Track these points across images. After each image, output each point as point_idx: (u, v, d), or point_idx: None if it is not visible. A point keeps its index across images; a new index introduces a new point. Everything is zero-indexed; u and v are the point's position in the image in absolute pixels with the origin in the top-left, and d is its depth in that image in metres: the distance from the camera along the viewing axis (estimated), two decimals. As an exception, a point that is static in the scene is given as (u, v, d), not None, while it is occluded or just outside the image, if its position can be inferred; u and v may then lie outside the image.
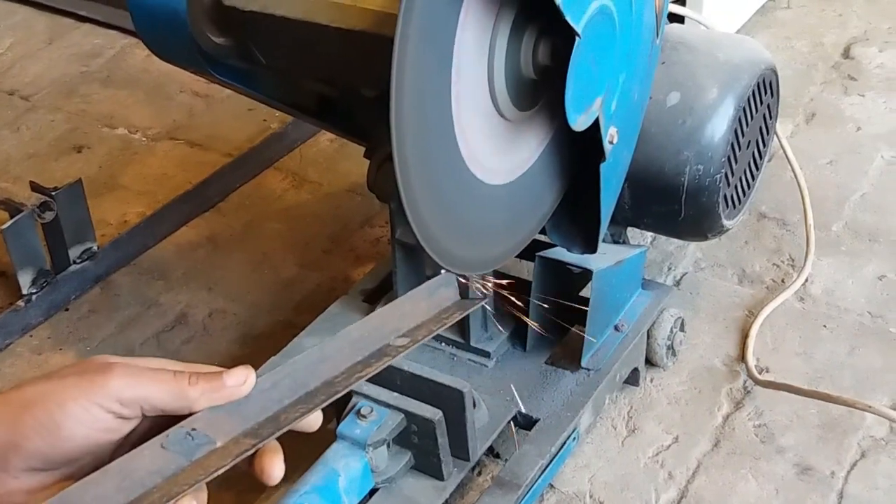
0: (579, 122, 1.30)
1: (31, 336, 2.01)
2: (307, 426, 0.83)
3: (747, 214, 2.10)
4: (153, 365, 0.80)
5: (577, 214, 1.56)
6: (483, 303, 1.02)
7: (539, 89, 1.35)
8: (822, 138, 2.40)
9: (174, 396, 0.77)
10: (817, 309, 1.96)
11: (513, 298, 1.49)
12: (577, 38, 1.21)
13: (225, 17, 1.41)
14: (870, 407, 1.64)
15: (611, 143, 1.41)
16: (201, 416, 0.78)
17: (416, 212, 1.17)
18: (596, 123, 1.35)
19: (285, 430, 0.80)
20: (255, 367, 1.63)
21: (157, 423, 0.79)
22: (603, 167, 1.44)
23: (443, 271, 1.01)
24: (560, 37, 1.25)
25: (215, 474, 0.74)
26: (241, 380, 0.79)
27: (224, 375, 0.79)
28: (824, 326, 1.92)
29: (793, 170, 2.06)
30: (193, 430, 0.77)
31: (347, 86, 1.48)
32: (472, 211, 1.32)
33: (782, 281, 2.02)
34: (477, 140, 1.28)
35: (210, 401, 0.78)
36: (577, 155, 1.48)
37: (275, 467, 0.79)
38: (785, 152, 2.05)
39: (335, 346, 0.89)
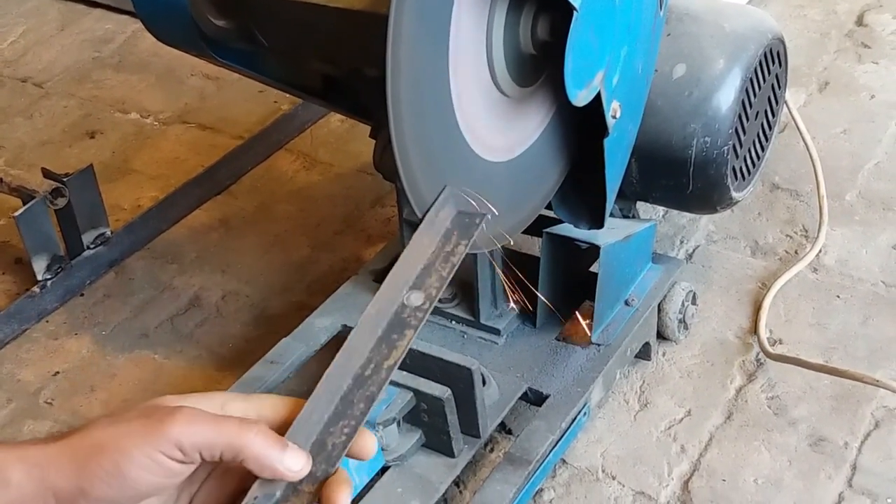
0: (580, 98, 1.30)
1: (47, 322, 2.03)
2: (361, 452, 0.82)
3: (760, 186, 2.09)
4: (217, 402, 0.80)
5: (583, 190, 1.55)
6: (486, 216, 0.98)
7: (539, 65, 1.34)
8: (836, 107, 2.38)
9: (232, 451, 0.76)
10: (831, 279, 1.94)
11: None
12: (574, 12, 1.20)
13: (225, 0, 1.41)
14: (878, 381, 1.64)
15: (614, 117, 1.40)
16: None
17: (417, 191, 1.17)
18: (598, 98, 1.34)
19: (338, 464, 0.79)
20: (267, 349, 1.66)
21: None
22: (607, 142, 1.43)
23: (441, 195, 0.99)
24: (558, 11, 1.24)
25: None
26: (298, 467, 0.78)
27: (287, 451, 0.77)
28: (838, 297, 1.91)
29: (804, 140, 2.04)
30: (256, 498, 0.77)
31: (349, 66, 1.47)
32: (474, 188, 1.31)
33: (795, 252, 2.01)
34: (477, 117, 1.27)
35: (263, 466, 0.77)
36: (581, 130, 1.47)
37: (340, 498, 0.78)
38: (795, 122, 2.03)
39: (357, 334, 0.86)
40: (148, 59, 2.83)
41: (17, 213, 1.98)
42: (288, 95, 2.40)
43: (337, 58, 1.45)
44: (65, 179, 2.03)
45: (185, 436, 0.75)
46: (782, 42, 1.74)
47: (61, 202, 2.03)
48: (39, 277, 2.04)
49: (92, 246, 2.12)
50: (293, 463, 0.77)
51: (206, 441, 0.76)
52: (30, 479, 0.75)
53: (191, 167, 2.40)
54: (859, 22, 2.68)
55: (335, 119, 2.50)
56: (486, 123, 1.30)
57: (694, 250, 2.04)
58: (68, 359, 1.95)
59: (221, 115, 2.59)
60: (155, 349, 1.95)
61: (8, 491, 0.74)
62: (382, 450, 1.47)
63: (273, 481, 0.78)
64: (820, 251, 1.98)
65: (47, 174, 2.05)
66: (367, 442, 0.82)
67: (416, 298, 0.89)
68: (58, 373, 1.92)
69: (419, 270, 0.91)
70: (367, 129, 1.67)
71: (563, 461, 1.64)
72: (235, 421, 0.77)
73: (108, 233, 2.15)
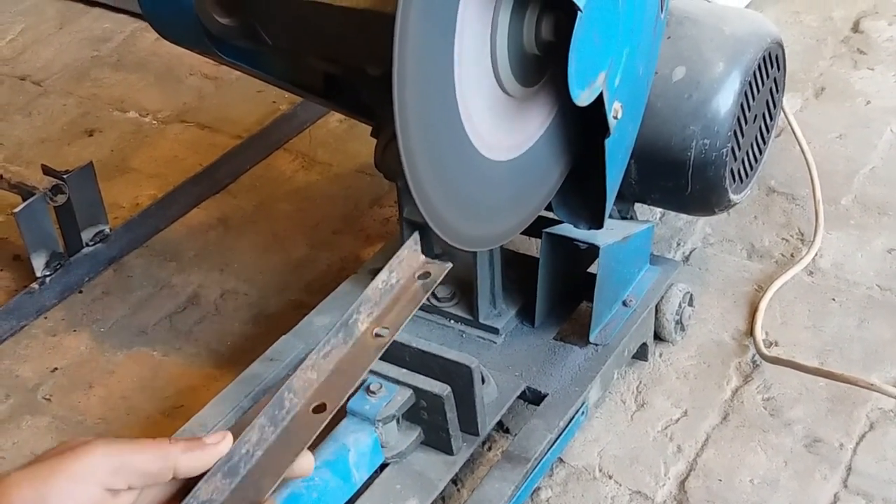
0: (582, 98, 1.31)
1: (45, 318, 2.03)
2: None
3: (756, 189, 2.10)
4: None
5: (583, 190, 1.56)
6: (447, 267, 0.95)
7: (542, 65, 1.35)
8: (832, 112, 2.40)
9: (156, 456, 0.77)
10: (826, 282, 1.96)
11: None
12: (578, 13, 1.22)
13: (230, -2, 1.42)
14: (871, 385, 1.65)
15: (615, 118, 1.41)
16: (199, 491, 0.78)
17: (421, 189, 1.18)
18: (600, 99, 1.35)
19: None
20: (266, 347, 1.66)
21: (159, 499, 0.79)
22: (608, 142, 1.44)
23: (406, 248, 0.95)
24: (562, 12, 1.25)
25: None
26: (220, 438, 0.79)
27: (203, 437, 0.80)
28: (833, 300, 1.92)
29: (799, 144, 2.06)
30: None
31: (353, 65, 1.48)
32: (476, 187, 1.33)
33: (791, 255, 2.02)
34: (481, 117, 1.28)
35: (192, 459, 0.78)
36: (582, 130, 1.48)
37: None
38: (791, 126, 2.05)
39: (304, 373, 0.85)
40: (147, 58, 2.84)
41: (16, 210, 1.99)
42: (287, 95, 2.42)
43: (341, 57, 1.46)
44: (65, 176, 2.03)
45: (106, 458, 0.74)
46: (781, 46, 1.76)
47: (61, 199, 2.04)
48: (38, 274, 2.05)
49: (91, 243, 2.12)
50: (214, 439, 0.79)
51: (129, 458, 0.75)
52: None
53: (189, 166, 2.41)
54: (855, 28, 2.70)
55: (334, 119, 2.51)
56: (489, 122, 1.31)
57: (691, 252, 2.05)
58: (67, 355, 1.95)
59: (220, 114, 2.60)
60: (153, 346, 1.96)
61: None
62: (382, 446, 1.47)
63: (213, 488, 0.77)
64: (816, 254, 2.00)
65: (47, 171, 2.06)
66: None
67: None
68: (56, 369, 1.92)
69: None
70: (365, 129, 1.68)
71: (561, 460, 1.65)
72: (150, 439, 0.78)
73: (108, 230, 2.15)
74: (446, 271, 0.93)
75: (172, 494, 0.80)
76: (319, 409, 0.82)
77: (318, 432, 0.81)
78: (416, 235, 0.94)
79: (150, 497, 0.79)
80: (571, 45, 1.23)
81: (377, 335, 0.88)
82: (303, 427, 0.81)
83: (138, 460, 0.76)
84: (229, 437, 0.80)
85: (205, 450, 0.79)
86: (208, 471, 0.78)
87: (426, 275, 0.92)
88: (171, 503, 0.80)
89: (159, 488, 0.79)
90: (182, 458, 0.78)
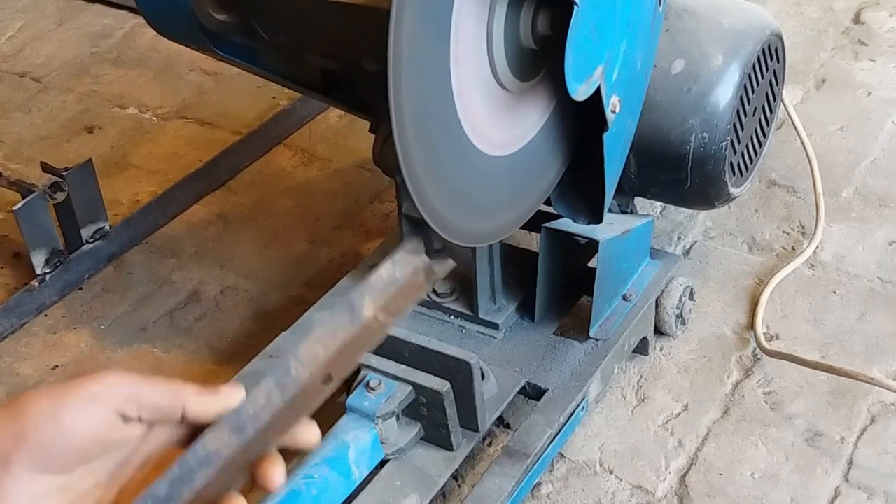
0: (580, 92, 1.30)
1: (45, 315, 2.03)
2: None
3: (757, 182, 2.10)
4: None
5: (582, 185, 1.56)
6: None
7: (539, 59, 1.35)
8: (833, 104, 2.39)
9: (169, 392, 0.77)
10: (827, 275, 1.95)
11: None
12: (575, 7, 1.21)
13: (226, -6, 1.41)
14: (872, 379, 1.65)
15: (613, 112, 1.41)
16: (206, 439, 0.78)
17: (418, 185, 1.18)
18: (598, 93, 1.35)
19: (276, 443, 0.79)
20: (266, 343, 1.66)
21: (167, 443, 0.80)
22: (606, 137, 1.44)
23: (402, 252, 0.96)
24: (559, 6, 1.25)
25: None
26: (232, 389, 0.79)
27: (220, 387, 0.80)
28: (834, 293, 1.91)
29: (800, 137, 2.05)
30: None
31: (350, 60, 1.48)
32: (474, 183, 1.33)
33: (792, 248, 2.02)
34: (478, 112, 1.28)
35: (202, 403, 0.78)
36: (581, 125, 1.48)
37: (276, 474, 0.79)
38: (791, 119, 2.04)
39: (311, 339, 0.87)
40: (146, 54, 2.83)
41: (16, 207, 1.99)
42: (286, 91, 2.41)
43: (337, 52, 1.45)
44: (64, 174, 2.03)
45: (120, 383, 0.75)
46: (780, 38, 1.75)
47: (60, 196, 2.03)
48: (38, 271, 2.05)
49: (91, 240, 2.12)
50: (227, 389, 0.78)
51: (141, 388, 0.76)
52: None
53: (189, 162, 2.40)
54: (856, 19, 2.69)
55: (334, 115, 2.50)
56: (486, 118, 1.30)
57: (691, 246, 2.05)
58: (67, 353, 1.95)
59: (220, 110, 2.60)
60: (154, 343, 1.95)
61: None
62: (382, 443, 1.47)
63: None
64: (817, 247, 1.99)
65: (46, 168, 2.06)
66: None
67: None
68: (57, 367, 1.92)
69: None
70: (365, 124, 1.68)
71: (561, 455, 1.65)
72: (162, 377, 0.79)
73: (107, 227, 2.15)
74: (450, 268, 0.94)
75: (179, 441, 0.80)
76: (327, 379, 0.83)
77: (322, 401, 0.82)
78: (417, 232, 0.95)
79: (158, 438, 0.79)
80: (568, 40, 1.23)
81: (379, 320, 0.89)
82: (309, 395, 0.82)
83: (151, 392, 0.76)
84: (242, 391, 0.80)
85: (216, 397, 0.79)
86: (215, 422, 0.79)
87: (429, 271, 0.93)
88: (175, 451, 0.80)
89: (167, 431, 0.79)
90: (193, 399, 0.78)
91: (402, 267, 0.90)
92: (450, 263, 0.94)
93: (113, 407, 0.75)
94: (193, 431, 0.79)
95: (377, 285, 0.88)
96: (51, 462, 0.74)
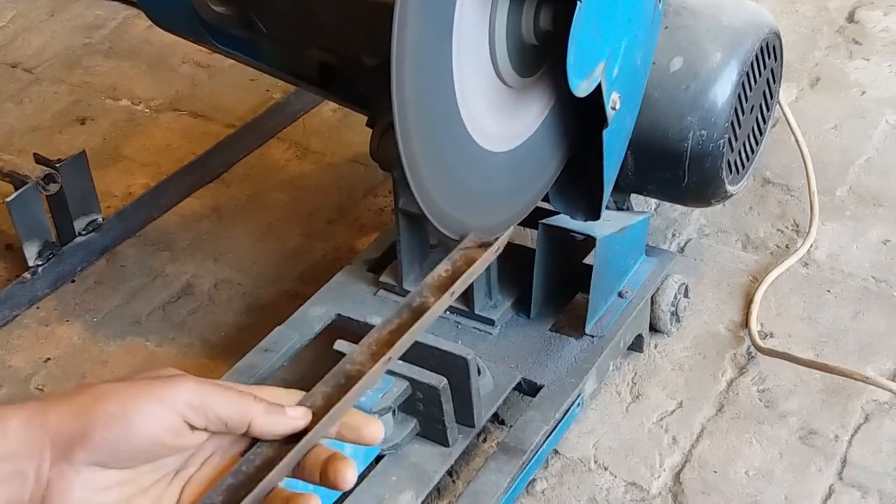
0: (581, 88, 1.30)
1: (37, 308, 2.02)
2: (370, 437, 0.84)
3: (752, 180, 2.10)
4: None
5: (580, 181, 1.56)
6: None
7: (541, 55, 1.35)
8: (827, 103, 2.39)
9: (238, 407, 0.77)
10: (821, 274, 1.96)
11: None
12: (578, 3, 1.21)
13: (225, -14, 1.41)
14: (866, 378, 1.65)
15: (613, 108, 1.41)
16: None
17: (419, 179, 1.18)
18: (598, 89, 1.35)
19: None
20: (260, 337, 1.65)
21: (228, 452, 0.81)
22: (606, 133, 1.43)
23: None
24: (561, 1, 1.25)
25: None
26: (301, 414, 0.79)
27: (286, 406, 0.80)
28: (828, 291, 1.92)
29: (794, 135, 2.05)
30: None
31: (349, 54, 1.47)
32: (474, 178, 1.32)
33: (787, 247, 2.02)
34: (479, 107, 1.28)
35: (269, 423, 0.78)
36: (580, 121, 1.48)
37: (347, 473, 0.79)
38: (786, 118, 2.04)
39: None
40: (139, 45, 2.82)
41: (8, 199, 1.97)
42: (280, 84, 2.41)
43: (337, 46, 1.45)
44: (57, 165, 2.02)
45: (193, 393, 0.76)
46: (778, 36, 1.75)
47: (53, 188, 2.02)
48: (31, 263, 2.03)
49: (84, 232, 2.11)
50: (295, 413, 0.79)
51: (213, 401, 0.76)
52: (28, 427, 0.73)
53: (182, 155, 2.39)
54: (850, 18, 2.70)
55: (328, 108, 2.50)
56: (487, 113, 1.30)
57: (686, 244, 2.05)
58: (60, 345, 1.94)
59: (213, 102, 2.58)
60: (147, 336, 1.95)
61: (5, 441, 0.72)
62: (378, 438, 1.47)
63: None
64: (811, 246, 1.99)
65: (39, 160, 2.04)
66: (373, 428, 0.83)
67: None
68: (49, 359, 1.91)
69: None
70: (359, 118, 1.67)
71: (556, 452, 1.65)
72: (237, 389, 0.79)
73: (100, 219, 2.14)
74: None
75: (233, 455, 0.81)
76: (385, 362, 0.85)
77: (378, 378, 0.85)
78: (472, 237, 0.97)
79: (214, 447, 0.80)
80: (570, 36, 1.22)
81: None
82: (365, 383, 0.83)
83: (221, 405, 0.77)
84: (309, 415, 0.80)
85: (283, 418, 0.79)
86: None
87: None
88: (229, 464, 0.81)
89: (224, 441, 0.80)
90: (260, 417, 0.78)
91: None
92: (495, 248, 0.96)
93: (181, 414, 0.75)
94: (250, 445, 0.80)
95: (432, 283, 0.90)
96: (114, 459, 0.74)
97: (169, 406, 0.75)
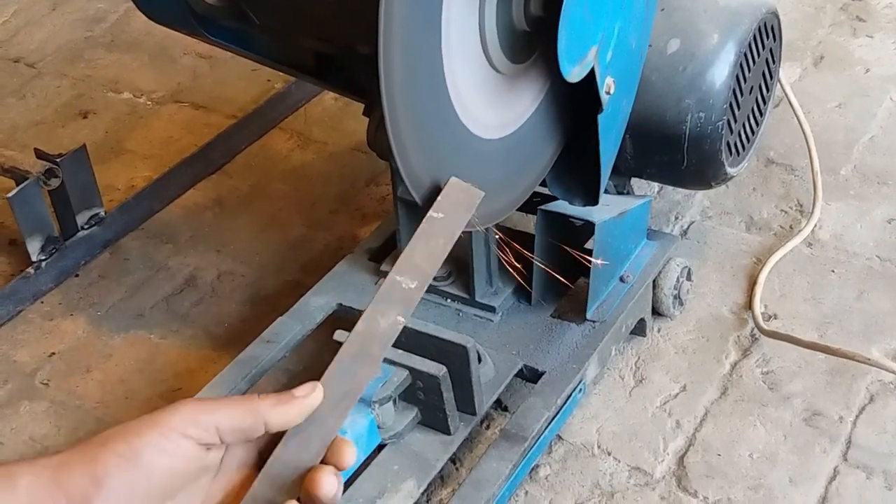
0: (573, 74, 1.29)
1: (42, 302, 2.03)
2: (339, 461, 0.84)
3: (754, 161, 2.09)
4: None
5: (577, 167, 1.55)
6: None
7: (532, 41, 1.33)
8: (831, 81, 2.38)
9: (246, 412, 0.77)
10: (825, 254, 1.95)
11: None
12: (567, -12, 1.20)
13: (216, -22, 1.40)
14: (869, 360, 1.64)
15: (608, 93, 1.39)
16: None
17: (410, 168, 1.17)
18: (591, 74, 1.34)
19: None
20: (263, 328, 1.66)
21: (244, 460, 0.80)
22: (601, 118, 1.42)
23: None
24: (552, -13, 1.23)
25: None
26: (309, 390, 0.80)
27: (292, 391, 0.80)
28: (833, 271, 1.91)
29: (796, 114, 2.04)
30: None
31: (341, 43, 1.47)
32: (467, 166, 1.31)
33: (790, 227, 2.01)
34: (470, 94, 1.27)
35: (282, 413, 0.78)
36: (575, 107, 1.47)
37: (347, 455, 0.81)
38: (787, 97, 2.03)
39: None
40: (140, 38, 2.82)
41: (10, 194, 1.97)
42: (281, 74, 2.39)
43: (329, 35, 1.44)
44: (58, 160, 2.02)
45: (197, 411, 0.75)
46: (776, 16, 1.74)
47: (55, 183, 2.02)
48: (34, 258, 2.04)
49: (86, 226, 2.11)
50: (304, 391, 0.79)
51: (219, 414, 0.76)
52: (39, 482, 0.72)
53: (184, 146, 2.39)
54: (854, -5, 2.67)
55: (329, 97, 2.49)
56: (479, 100, 1.29)
57: (689, 226, 2.04)
58: (64, 339, 1.95)
59: (215, 94, 2.58)
60: (151, 329, 1.95)
61: (15, 496, 0.71)
62: (379, 427, 1.47)
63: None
64: (815, 226, 1.98)
65: (40, 155, 2.04)
66: (347, 451, 0.83)
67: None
68: (53, 353, 1.92)
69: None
70: (360, 107, 1.67)
71: (559, 437, 1.65)
72: (237, 396, 0.79)
73: (103, 213, 2.14)
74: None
75: (258, 454, 0.81)
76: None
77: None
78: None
79: (237, 454, 0.80)
80: (560, 21, 1.21)
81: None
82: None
83: (229, 417, 0.77)
84: (319, 389, 0.80)
85: (293, 403, 0.79)
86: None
87: None
88: (256, 463, 0.81)
89: (245, 446, 0.80)
90: (272, 413, 0.78)
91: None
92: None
93: (192, 438, 0.75)
94: (272, 441, 0.80)
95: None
96: (133, 501, 0.73)
97: (175, 431, 0.74)
